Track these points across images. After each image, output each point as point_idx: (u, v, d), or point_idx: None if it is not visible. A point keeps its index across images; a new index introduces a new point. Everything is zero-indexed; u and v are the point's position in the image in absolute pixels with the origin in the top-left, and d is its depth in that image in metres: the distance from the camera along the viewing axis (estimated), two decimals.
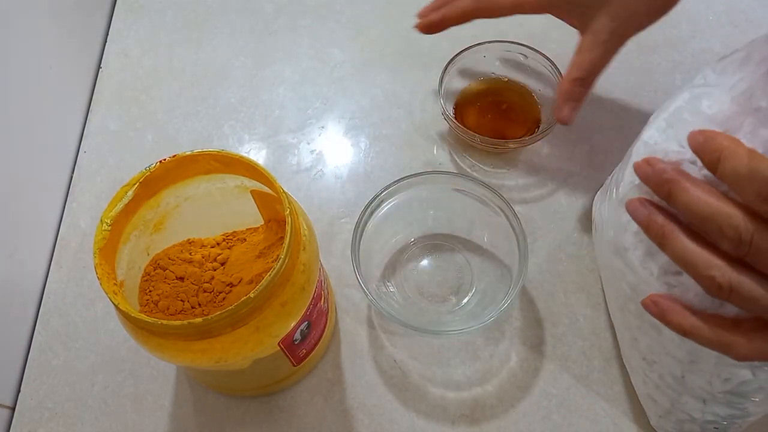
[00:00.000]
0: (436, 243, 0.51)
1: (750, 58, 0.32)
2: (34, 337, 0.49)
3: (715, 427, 0.38)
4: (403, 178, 0.47)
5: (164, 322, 0.32)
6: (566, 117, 0.44)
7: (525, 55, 0.55)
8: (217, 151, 0.37)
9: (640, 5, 0.41)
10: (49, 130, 0.55)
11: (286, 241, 0.34)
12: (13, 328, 0.48)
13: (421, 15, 0.51)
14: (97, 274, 0.34)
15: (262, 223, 0.45)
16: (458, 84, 0.56)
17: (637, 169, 0.32)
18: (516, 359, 0.46)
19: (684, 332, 0.31)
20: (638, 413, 0.44)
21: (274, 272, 0.33)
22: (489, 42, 0.55)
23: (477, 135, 0.51)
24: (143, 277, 0.41)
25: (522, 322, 0.48)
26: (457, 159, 0.56)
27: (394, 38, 0.63)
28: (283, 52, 0.63)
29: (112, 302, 0.33)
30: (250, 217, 0.44)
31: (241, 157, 0.37)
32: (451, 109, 0.55)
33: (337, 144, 0.57)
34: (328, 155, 0.56)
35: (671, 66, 0.60)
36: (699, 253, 0.29)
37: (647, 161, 0.32)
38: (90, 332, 0.49)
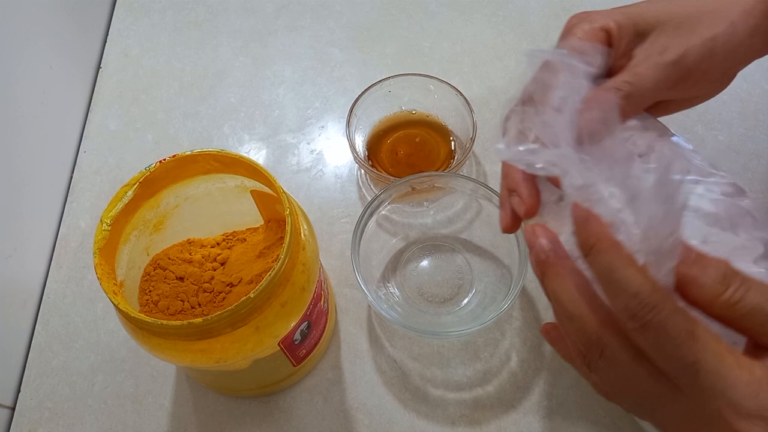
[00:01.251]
0: (436, 243, 0.51)
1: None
2: (34, 337, 0.49)
3: None
4: (403, 178, 0.47)
5: (164, 322, 0.32)
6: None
7: (431, 87, 0.53)
8: (217, 151, 0.37)
9: None
10: (49, 130, 0.55)
11: (286, 241, 0.34)
12: (13, 328, 0.48)
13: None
14: (97, 274, 0.34)
15: (262, 223, 0.45)
16: (367, 123, 0.54)
17: (525, 234, 0.31)
18: (516, 359, 0.46)
19: (565, 359, 0.34)
20: None
21: (274, 272, 0.33)
22: (393, 77, 0.52)
23: (391, 177, 0.49)
24: (143, 277, 0.41)
25: (522, 322, 0.47)
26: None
27: (394, 38, 0.63)
28: (283, 52, 0.63)
29: (112, 302, 0.33)
30: (250, 217, 0.44)
31: (241, 157, 0.37)
32: (364, 150, 0.53)
33: (337, 144, 0.57)
34: (328, 155, 0.56)
35: None
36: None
37: (533, 229, 0.30)
38: (90, 332, 0.49)
